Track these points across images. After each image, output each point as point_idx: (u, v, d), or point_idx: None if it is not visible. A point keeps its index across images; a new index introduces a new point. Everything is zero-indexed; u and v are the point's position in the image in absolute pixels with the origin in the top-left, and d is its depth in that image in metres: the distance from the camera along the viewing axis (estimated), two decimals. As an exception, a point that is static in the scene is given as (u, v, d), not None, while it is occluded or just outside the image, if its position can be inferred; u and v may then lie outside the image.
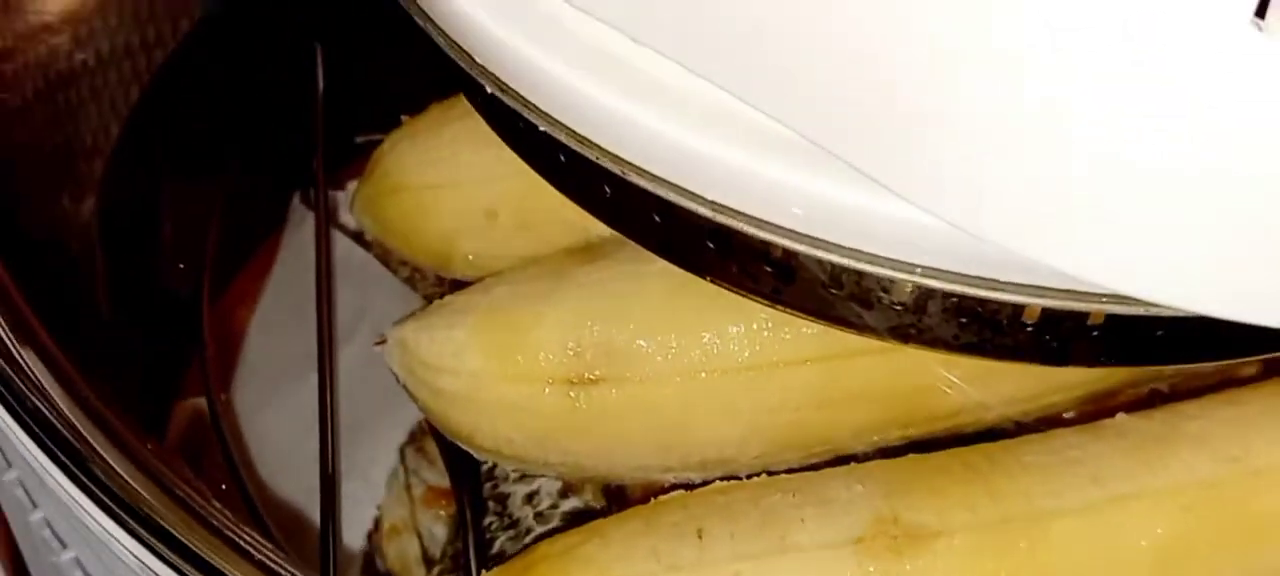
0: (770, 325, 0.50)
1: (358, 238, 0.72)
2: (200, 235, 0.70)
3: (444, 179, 0.59)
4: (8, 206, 0.63)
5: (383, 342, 0.55)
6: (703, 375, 0.52)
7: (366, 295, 0.71)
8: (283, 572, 0.38)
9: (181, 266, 0.65)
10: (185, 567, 0.38)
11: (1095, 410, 0.53)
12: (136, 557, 0.38)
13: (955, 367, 0.51)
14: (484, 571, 0.49)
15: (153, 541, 0.38)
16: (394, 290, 0.70)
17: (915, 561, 0.46)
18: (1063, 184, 0.33)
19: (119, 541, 0.39)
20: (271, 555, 0.39)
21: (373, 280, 0.71)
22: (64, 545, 0.44)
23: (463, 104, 0.59)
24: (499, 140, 0.54)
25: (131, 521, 0.39)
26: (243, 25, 0.73)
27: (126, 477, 0.40)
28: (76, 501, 0.40)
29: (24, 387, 0.44)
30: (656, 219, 0.42)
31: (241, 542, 0.40)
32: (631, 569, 0.46)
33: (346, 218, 0.71)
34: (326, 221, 0.63)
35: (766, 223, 0.40)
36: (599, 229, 0.55)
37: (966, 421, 0.53)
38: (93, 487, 0.40)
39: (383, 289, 0.71)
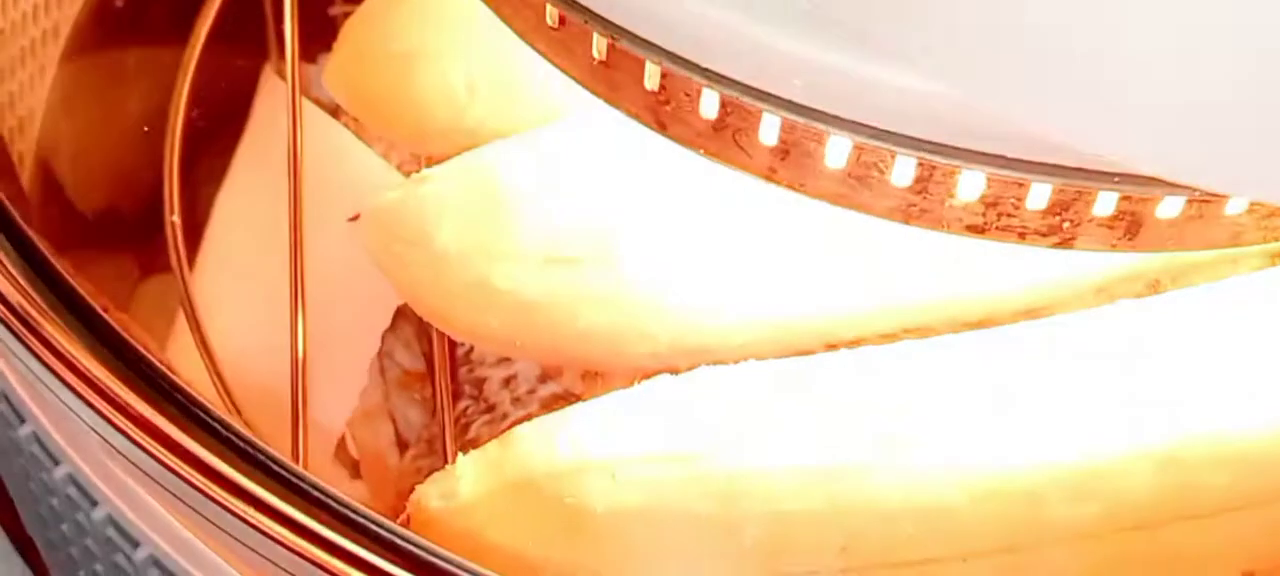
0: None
1: (334, 112, 0.70)
2: (165, 108, 0.67)
3: (420, 48, 0.56)
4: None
5: (356, 219, 0.53)
6: (685, 253, 0.50)
7: (341, 171, 0.69)
8: (250, 450, 0.36)
9: (147, 129, 0.62)
10: (148, 442, 0.36)
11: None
12: (96, 431, 0.37)
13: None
14: (460, 453, 0.48)
15: (113, 414, 0.36)
16: (370, 166, 0.68)
17: (900, 447, 0.45)
18: (1068, 42, 0.31)
19: (79, 415, 0.37)
20: (239, 435, 0.37)
21: (348, 155, 0.69)
22: (21, 420, 0.43)
23: (441, -30, 0.57)
24: (477, 10, 0.52)
25: (92, 393, 0.37)
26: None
27: (87, 349, 0.38)
28: (34, 374, 0.38)
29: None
30: (648, 88, 0.40)
31: (209, 420, 0.38)
32: (612, 448, 0.45)
33: (322, 93, 0.69)
34: (297, 91, 0.60)
35: (763, 93, 0.38)
36: (580, 106, 0.53)
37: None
38: (54, 359, 0.38)
39: (358, 164, 0.69)
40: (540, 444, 0.46)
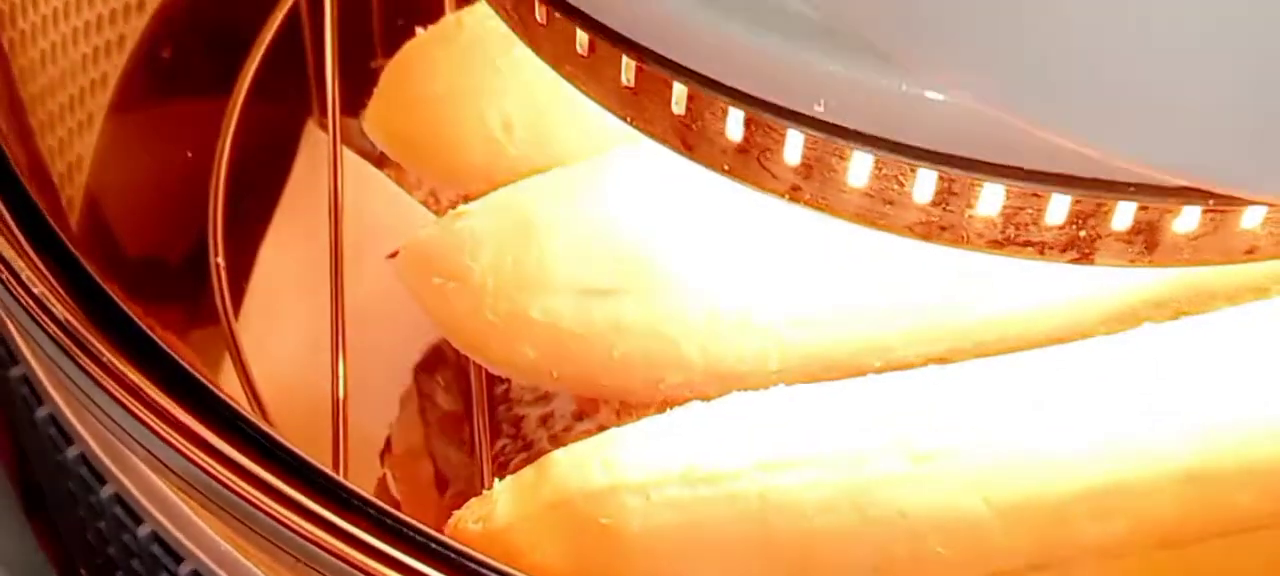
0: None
1: (378, 163, 0.71)
2: (211, 158, 0.69)
3: (456, 89, 0.58)
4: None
5: (396, 255, 0.55)
6: (719, 282, 0.51)
7: (382, 219, 0.70)
8: (292, 457, 0.37)
9: (190, 154, 0.64)
10: (193, 452, 0.37)
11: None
12: (142, 443, 0.38)
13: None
14: (496, 479, 0.48)
15: (159, 425, 0.37)
16: (412, 215, 0.69)
17: (929, 465, 0.45)
18: (1083, 47, 0.32)
19: (125, 428, 0.38)
20: (280, 443, 0.38)
21: (390, 204, 0.70)
22: (69, 441, 0.44)
23: (476, 14, 0.58)
24: (512, 52, 0.54)
25: (138, 406, 0.38)
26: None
27: (131, 363, 0.39)
28: (81, 389, 0.39)
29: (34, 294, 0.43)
30: (675, 112, 0.41)
31: (250, 430, 0.39)
32: (646, 469, 0.46)
33: (365, 144, 0.71)
34: (337, 138, 0.62)
35: (788, 111, 0.39)
36: (613, 142, 0.54)
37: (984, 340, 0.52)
38: (101, 373, 0.39)
39: (399, 213, 0.70)
40: (575, 467, 0.47)
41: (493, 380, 0.63)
